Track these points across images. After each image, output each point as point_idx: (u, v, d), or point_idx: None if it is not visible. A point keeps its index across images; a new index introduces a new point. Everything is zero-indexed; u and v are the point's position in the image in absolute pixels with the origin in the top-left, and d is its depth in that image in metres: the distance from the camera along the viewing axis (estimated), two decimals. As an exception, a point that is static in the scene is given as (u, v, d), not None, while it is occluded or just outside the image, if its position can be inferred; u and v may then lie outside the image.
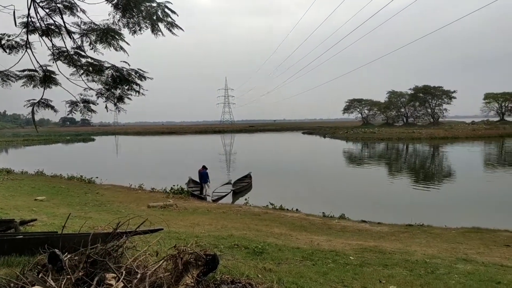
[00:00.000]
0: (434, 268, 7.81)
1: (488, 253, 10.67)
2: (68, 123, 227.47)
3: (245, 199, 22.59)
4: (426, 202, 23.77)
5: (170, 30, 8.05)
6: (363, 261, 8.23)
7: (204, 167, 25.88)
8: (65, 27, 7.66)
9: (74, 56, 8.06)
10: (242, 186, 27.82)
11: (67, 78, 8.08)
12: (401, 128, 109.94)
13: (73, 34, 7.92)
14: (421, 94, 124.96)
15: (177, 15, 7.99)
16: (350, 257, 8.58)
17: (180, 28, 8.13)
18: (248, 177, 30.63)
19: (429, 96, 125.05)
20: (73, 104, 8.48)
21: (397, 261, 8.41)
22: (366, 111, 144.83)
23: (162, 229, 6.31)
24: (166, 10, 7.88)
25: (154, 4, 7.78)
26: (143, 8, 7.72)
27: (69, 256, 4.41)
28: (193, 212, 17.24)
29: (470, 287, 6.50)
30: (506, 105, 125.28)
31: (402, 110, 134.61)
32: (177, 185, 25.36)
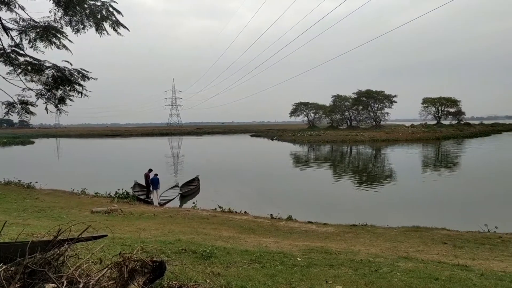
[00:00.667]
0: (377, 267, 8.07)
1: (427, 250, 11.17)
2: (5, 124, 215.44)
3: (193, 203, 22.37)
4: (370, 202, 24.60)
5: (115, 30, 7.83)
6: (310, 262, 8.36)
7: (150, 170, 25.36)
8: (1, 23, 7.25)
9: (11, 54, 7.64)
10: (190, 189, 27.52)
11: (3, 77, 7.64)
12: (345, 131, 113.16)
13: (10, 31, 7.51)
14: (364, 98, 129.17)
15: (122, 15, 7.78)
16: (298, 258, 8.69)
17: (126, 27, 7.93)
18: (196, 180, 30.34)
19: (371, 100, 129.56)
20: (10, 105, 8.03)
21: (342, 261, 8.61)
22: (312, 114, 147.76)
23: (106, 235, 6.08)
24: (110, 9, 7.66)
25: (99, 3, 7.54)
26: (86, 6, 7.45)
27: (4, 267, 4.15)
28: (139, 217, 16.82)
29: (411, 284, 6.77)
30: (442, 109, 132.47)
31: (346, 113, 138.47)
32: (122, 189, 24.67)
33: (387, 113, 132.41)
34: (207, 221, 16.30)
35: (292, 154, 63.65)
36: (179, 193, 25.85)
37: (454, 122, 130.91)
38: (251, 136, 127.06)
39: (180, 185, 28.47)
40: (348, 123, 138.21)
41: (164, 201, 23.71)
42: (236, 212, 19.66)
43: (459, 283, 6.93)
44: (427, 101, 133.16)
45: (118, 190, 24.50)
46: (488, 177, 33.85)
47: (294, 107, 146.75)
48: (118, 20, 7.74)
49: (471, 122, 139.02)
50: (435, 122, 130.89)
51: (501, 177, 33.90)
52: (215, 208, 20.34)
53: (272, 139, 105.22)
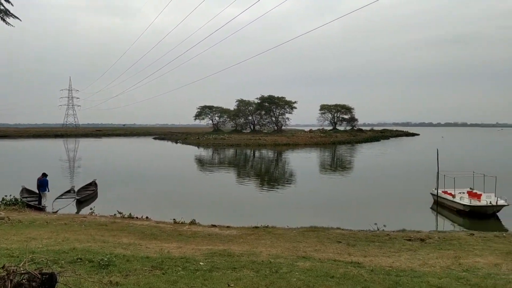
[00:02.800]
0: (278, 268, 8.30)
1: (323, 249, 11.75)
2: None
3: (91, 209, 21.12)
4: (271, 204, 25.32)
5: (3, 19, 7.17)
6: (212, 266, 8.35)
7: (44, 175, 23.50)
8: None
9: None
10: (87, 194, 26.05)
11: None
12: (249, 135, 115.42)
13: None
14: (266, 104, 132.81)
15: (12, 4, 7.16)
16: (200, 263, 8.63)
17: (17, 17, 7.29)
18: (93, 184, 28.82)
19: (273, 105, 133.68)
20: None
21: (244, 263, 8.72)
22: (217, 118, 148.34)
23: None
24: (-4, -2, 6.99)
25: (-18, -10, 6.84)
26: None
27: None
28: (29, 225, 15.50)
29: (309, 283, 7.07)
30: (337, 115, 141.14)
31: (250, 118, 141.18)
32: (10, 195, 22.55)
33: (288, 118, 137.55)
34: (105, 227, 15.51)
35: (196, 157, 63.31)
36: (75, 199, 24.34)
37: (348, 128, 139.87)
38: (154, 139, 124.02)
39: (76, 190, 26.80)
40: (252, 127, 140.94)
41: (58, 208, 22.14)
42: (137, 217, 18.97)
43: (352, 280, 7.38)
44: (324, 108, 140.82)
45: (5, 196, 22.33)
46: (375, 179, 36.65)
47: (198, 110, 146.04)
48: (7, 10, 7.11)
49: (363, 128, 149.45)
50: (331, 127, 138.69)
51: (385, 179, 36.91)
52: (115, 214, 19.43)
53: (176, 142, 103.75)
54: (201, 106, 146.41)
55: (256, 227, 16.51)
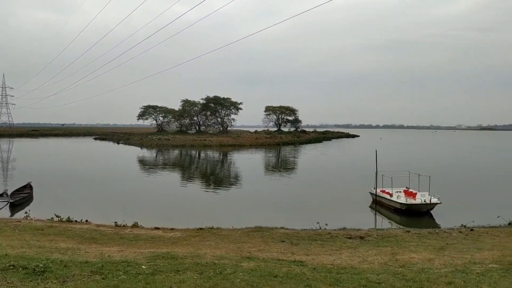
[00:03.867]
0: (222, 269, 8.29)
1: (267, 249, 11.89)
2: None
3: (26, 212, 20.03)
4: (217, 205, 25.26)
5: None
6: (155, 269, 8.19)
7: None
8: None
9: None
10: (21, 197, 24.71)
11: None
12: (194, 136, 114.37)
13: None
14: (212, 104, 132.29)
15: None
16: (143, 266, 8.44)
17: None
18: (28, 187, 27.41)
19: (219, 106, 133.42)
20: None
21: (188, 266, 8.64)
22: (161, 118, 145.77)
23: None
24: None
25: None
26: None
27: None
28: (-45, 232, 14.49)
29: (252, 283, 7.11)
30: (282, 117, 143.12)
31: (195, 118, 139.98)
32: None
33: (233, 119, 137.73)
34: (42, 232, 14.80)
35: (139, 158, 61.86)
36: (8, 202, 23.04)
37: (292, 129, 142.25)
38: (95, 139, 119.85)
39: (9, 192, 25.34)
40: (197, 128, 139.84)
41: None
42: (76, 221, 18.25)
43: (294, 278, 7.51)
44: (269, 109, 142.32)
45: None
46: (318, 179, 37.57)
47: (142, 110, 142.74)
48: None
49: (307, 129, 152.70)
50: (276, 129, 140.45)
51: (327, 179, 37.95)
52: (52, 218, 18.57)
53: (118, 143, 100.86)
54: (144, 106, 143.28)
55: (201, 229, 16.42)
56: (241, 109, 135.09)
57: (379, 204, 24.87)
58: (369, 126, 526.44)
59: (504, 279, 7.48)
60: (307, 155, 69.82)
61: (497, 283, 7.15)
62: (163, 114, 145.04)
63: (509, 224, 18.38)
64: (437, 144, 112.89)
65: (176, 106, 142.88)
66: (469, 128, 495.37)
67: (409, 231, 15.63)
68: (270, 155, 70.82)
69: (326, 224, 17.00)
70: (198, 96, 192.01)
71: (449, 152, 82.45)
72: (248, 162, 55.90)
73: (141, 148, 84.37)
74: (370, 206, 25.31)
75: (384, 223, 21.55)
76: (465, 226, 17.23)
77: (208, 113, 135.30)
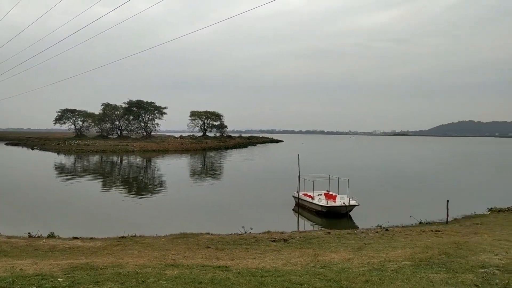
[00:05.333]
0: (145, 278, 8.05)
1: (192, 256, 11.74)
2: None
3: None
4: (140, 212, 24.53)
5: None
6: (73, 281, 7.76)
7: None
8: None
9: None
10: None
11: None
12: (115, 141, 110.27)
13: None
14: (135, 108, 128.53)
15: None
16: (59, 279, 7.96)
17: None
18: None
19: (142, 110, 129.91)
20: None
21: (109, 276, 8.29)
22: (80, 123, 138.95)
23: None
24: None
25: None
26: None
27: None
28: None
29: (177, 290, 6.99)
30: (207, 122, 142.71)
31: (117, 123, 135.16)
32: None
33: (157, 124, 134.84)
34: None
35: (57, 165, 58.43)
36: None
37: (218, 134, 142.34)
38: (6, 144, 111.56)
39: None
40: (119, 132, 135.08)
41: None
42: (-17, 233, 16.83)
43: (219, 284, 7.49)
44: (194, 114, 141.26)
45: None
46: (243, 184, 37.93)
47: (59, 113, 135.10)
48: None
49: (232, 134, 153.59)
50: (201, 134, 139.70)
51: (252, 183, 38.43)
52: (-46, 231, 16.99)
53: (32, 149, 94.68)
54: (62, 110, 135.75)
55: (123, 237, 15.87)
56: (165, 113, 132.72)
57: (301, 207, 25.58)
58: (292, 132, 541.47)
59: (415, 274, 8.01)
60: (233, 160, 70.22)
61: (409, 279, 7.63)
62: (82, 118, 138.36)
63: (420, 223, 19.79)
64: (354, 149, 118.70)
65: (97, 110, 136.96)
66: (384, 134, 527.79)
67: (330, 233, 16.23)
68: (196, 160, 70.27)
69: (251, 228, 17.19)
70: (120, 100, 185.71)
71: (366, 156, 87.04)
72: (172, 168, 55.01)
73: (58, 154, 79.85)
74: (293, 209, 25.95)
75: (306, 225, 22.20)
76: (381, 226, 18.25)
77: (131, 117, 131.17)
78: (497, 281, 7.26)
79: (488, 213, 22.72)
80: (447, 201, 19.58)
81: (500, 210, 23.07)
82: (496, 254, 9.84)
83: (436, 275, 7.91)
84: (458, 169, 59.14)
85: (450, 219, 19.86)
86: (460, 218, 21.43)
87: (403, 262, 9.30)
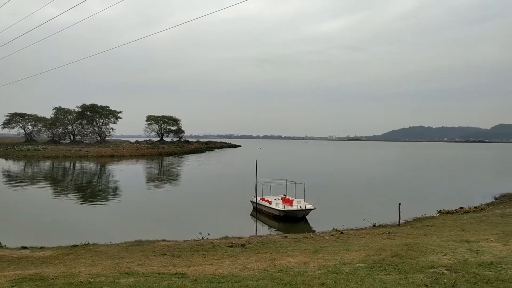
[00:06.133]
0: (98, 287, 7.84)
1: (148, 263, 11.52)
2: None
3: None
4: (94, 220, 23.82)
5: None
6: (20, 293, 7.45)
7: None
8: None
9: None
10: None
11: None
12: (68, 146, 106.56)
13: None
14: (88, 113, 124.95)
15: None
16: (5, 292, 7.62)
17: None
18: None
19: (96, 115, 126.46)
20: None
21: (60, 286, 8.00)
22: (30, 127, 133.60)
23: None
24: None
25: None
26: None
27: None
28: None
29: (131, 299, 6.84)
30: (164, 127, 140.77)
31: (70, 127, 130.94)
32: None
33: (112, 128, 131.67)
34: None
35: (4, 171, 55.76)
36: None
37: (175, 139, 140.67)
38: None
39: None
40: (72, 137, 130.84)
41: None
42: None
43: (175, 291, 7.39)
44: (151, 119, 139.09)
45: None
46: (200, 189, 37.63)
47: (8, 118, 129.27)
48: None
49: (190, 139, 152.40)
50: (158, 139, 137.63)
51: (209, 188, 38.24)
52: None
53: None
54: (10, 113, 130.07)
55: (75, 246, 15.37)
56: (120, 118, 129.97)
57: (259, 212, 25.69)
58: (250, 137, 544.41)
59: (369, 276, 8.22)
60: (190, 165, 69.57)
61: (363, 281, 7.82)
62: (33, 123, 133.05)
63: (373, 226, 20.33)
64: (310, 154, 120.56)
65: (48, 114, 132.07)
66: (339, 139, 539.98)
67: (287, 236, 16.38)
68: (152, 166, 69.10)
69: (209, 234, 17.09)
70: (73, 104, 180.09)
71: (322, 160, 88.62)
72: (128, 174, 53.83)
73: (7, 160, 76.33)
74: (251, 214, 26.02)
75: (264, 229, 22.30)
76: (336, 229, 18.62)
77: (84, 121, 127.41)
78: (445, 280, 7.56)
79: (437, 215, 23.66)
80: (399, 204, 20.22)
81: (448, 212, 24.09)
82: (445, 255, 10.25)
83: (388, 276, 8.15)
84: (409, 172, 61.30)
85: (402, 221, 20.53)
86: (411, 220, 22.19)
87: (357, 264, 9.51)
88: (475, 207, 25.29)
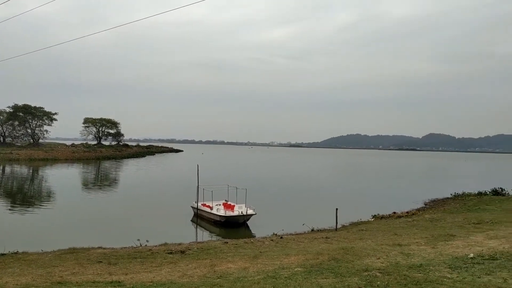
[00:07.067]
0: (27, 298, 7.44)
1: (82, 272, 11.07)
2: None
3: None
4: (24, 226, 22.58)
5: None
6: None
7: None
8: None
9: None
10: None
11: None
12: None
13: None
14: (21, 114, 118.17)
15: None
16: None
17: None
18: None
19: (29, 116, 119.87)
20: None
21: (-16, 299, 7.52)
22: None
23: None
24: None
25: None
26: None
27: None
28: None
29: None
30: (103, 130, 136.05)
31: (0, 128, 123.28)
32: None
33: (46, 130, 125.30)
34: None
35: None
36: None
37: (113, 143, 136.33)
38: None
39: None
40: (2, 139, 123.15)
41: None
42: None
43: (111, 300, 7.17)
44: (88, 121, 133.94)
45: None
46: (139, 194, 36.75)
47: None
48: None
49: (129, 143, 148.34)
50: (96, 142, 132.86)
51: (149, 194, 37.45)
52: None
53: None
54: None
55: (3, 254, 14.46)
56: (55, 119, 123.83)
57: (200, 218, 25.49)
58: (192, 141, 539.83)
59: (307, 280, 8.40)
60: (129, 170, 67.77)
61: (301, 285, 7.98)
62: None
63: (312, 230, 20.80)
64: (252, 158, 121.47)
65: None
66: (280, 145, 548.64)
67: (227, 242, 16.36)
68: (88, 170, 66.57)
69: (147, 241, 16.70)
70: (4, 104, 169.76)
71: (263, 166, 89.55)
72: (62, 178, 51.46)
73: None
74: (191, 220, 25.76)
75: (205, 235, 22.17)
76: (276, 234, 18.84)
77: (16, 123, 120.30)
78: (378, 283, 7.89)
79: (372, 219, 24.63)
80: (336, 209, 20.84)
81: (382, 217, 25.15)
82: (378, 258, 10.70)
83: (325, 280, 8.38)
84: (346, 178, 63.45)
85: (339, 226, 21.16)
86: (348, 224, 22.94)
87: (296, 269, 9.70)
88: (407, 212, 26.58)
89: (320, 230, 21.04)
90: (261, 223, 23.65)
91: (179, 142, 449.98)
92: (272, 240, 16.97)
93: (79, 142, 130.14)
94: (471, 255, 10.62)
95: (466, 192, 34.39)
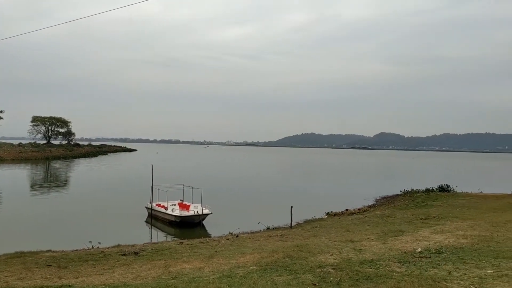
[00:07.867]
0: (-31, 306, 7.08)
1: (30, 276, 10.64)
2: None
3: None
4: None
5: None
6: None
7: None
8: None
9: None
10: None
11: None
12: None
13: None
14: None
15: None
16: None
17: None
18: None
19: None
20: None
21: None
22: None
23: None
24: None
25: None
26: None
27: None
28: None
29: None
30: (52, 129, 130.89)
31: None
32: None
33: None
34: None
35: None
36: None
37: (64, 142, 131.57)
38: None
39: None
40: None
41: None
42: None
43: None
44: (37, 120, 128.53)
45: None
46: (90, 195, 35.72)
47: None
48: None
49: (81, 143, 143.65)
50: (45, 141, 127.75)
51: (101, 195, 36.48)
52: None
53: None
54: None
55: None
56: (1, 118, 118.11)
57: (155, 218, 25.11)
58: (147, 141, 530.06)
59: (262, 278, 8.47)
60: (80, 170, 65.70)
61: (256, 283, 8.04)
62: None
63: (267, 228, 20.98)
64: (210, 158, 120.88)
65: None
66: (236, 144, 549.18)
67: (183, 242, 16.22)
68: (37, 170, 63.93)
69: (99, 243, 16.26)
70: None
71: (219, 165, 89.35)
72: (7, 180, 49.20)
73: None
74: (146, 221, 25.33)
75: (159, 236, 21.85)
76: (232, 233, 18.87)
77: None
78: (331, 279, 8.08)
79: (326, 217, 25.16)
80: (291, 207, 21.12)
81: (335, 214, 25.75)
82: (332, 254, 10.95)
83: (280, 277, 8.48)
84: (301, 177, 64.40)
85: (293, 223, 21.47)
86: (302, 222, 23.31)
87: (251, 267, 9.75)
88: (359, 209, 27.37)
89: (276, 228, 21.25)
90: (217, 223, 23.60)
91: (132, 141, 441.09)
92: (228, 239, 16.97)
93: (27, 142, 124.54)
94: (419, 249, 11.09)
95: (415, 189, 35.71)
